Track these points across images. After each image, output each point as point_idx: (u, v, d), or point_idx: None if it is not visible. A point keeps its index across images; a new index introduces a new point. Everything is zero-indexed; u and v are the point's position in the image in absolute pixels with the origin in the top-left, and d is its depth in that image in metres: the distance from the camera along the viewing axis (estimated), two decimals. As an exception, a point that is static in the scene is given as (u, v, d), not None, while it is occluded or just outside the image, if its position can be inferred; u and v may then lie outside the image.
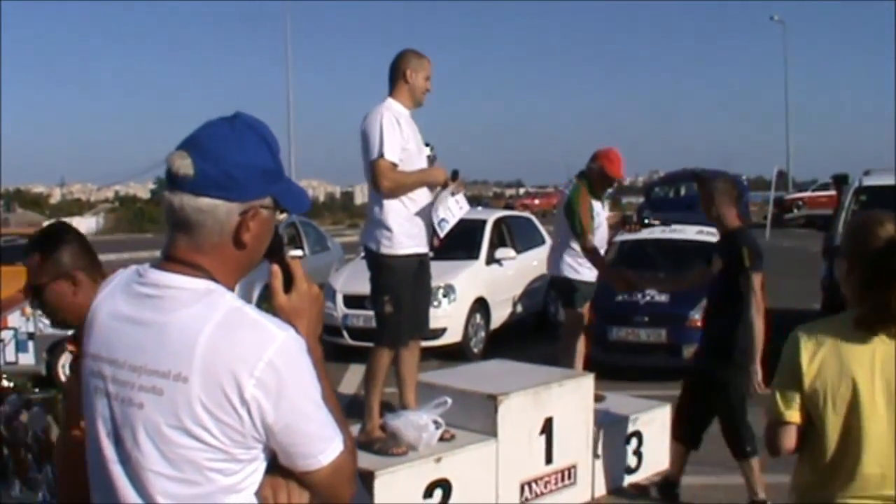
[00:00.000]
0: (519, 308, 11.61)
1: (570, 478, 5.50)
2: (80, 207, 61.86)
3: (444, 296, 10.06)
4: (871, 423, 2.38)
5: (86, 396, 1.73)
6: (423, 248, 4.90)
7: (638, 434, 6.04)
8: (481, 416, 5.05)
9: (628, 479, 5.98)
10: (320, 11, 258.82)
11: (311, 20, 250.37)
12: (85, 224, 41.33)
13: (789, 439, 2.50)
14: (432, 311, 6.12)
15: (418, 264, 4.90)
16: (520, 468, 5.16)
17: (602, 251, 6.59)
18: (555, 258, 6.68)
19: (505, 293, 11.22)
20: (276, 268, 1.76)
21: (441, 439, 4.82)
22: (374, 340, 4.98)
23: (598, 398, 6.00)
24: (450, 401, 4.82)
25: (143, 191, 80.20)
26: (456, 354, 9.59)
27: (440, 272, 8.86)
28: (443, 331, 9.90)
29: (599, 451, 5.73)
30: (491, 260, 11.05)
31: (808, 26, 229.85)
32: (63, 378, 7.90)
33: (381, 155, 4.65)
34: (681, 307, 8.65)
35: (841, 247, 2.61)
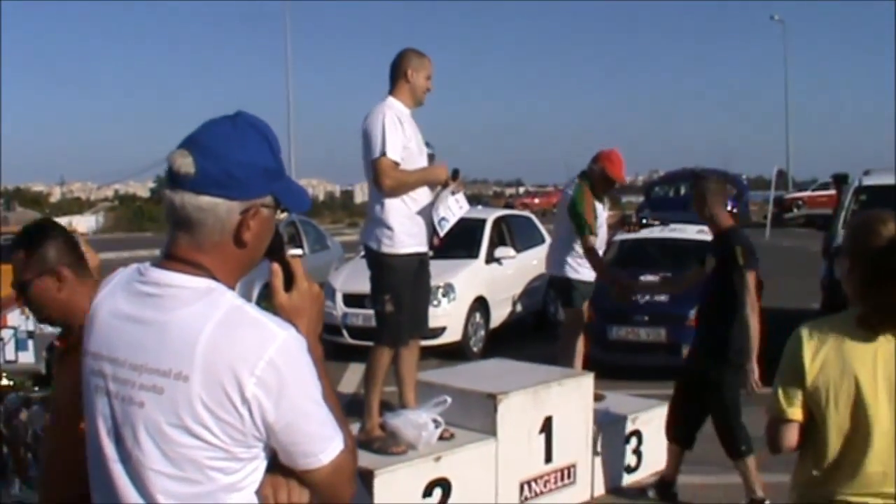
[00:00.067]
0: (518, 307, 11.60)
1: (569, 477, 5.50)
2: (80, 206, 61.77)
3: (444, 295, 10.06)
4: (872, 420, 2.39)
5: (86, 395, 1.73)
6: (423, 248, 4.91)
7: (637, 433, 6.05)
8: (481, 415, 5.06)
9: (627, 479, 5.99)
10: (320, 10, 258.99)
11: (310, 19, 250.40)
12: (85, 222, 41.27)
13: (791, 437, 2.51)
14: (432, 310, 6.12)
15: (418, 263, 4.90)
16: (519, 467, 5.17)
17: (601, 252, 6.60)
18: (554, 257, 6.68)
19: (504, 292, 11.21)
20: (276, 266, 1.76)
21: (440, 438, 4.83)
22: (374, 339, 4.98)
23: (598, 397, 6.02)
24: (449, 400, 4.83)
25: (142, 189, 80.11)
26: (455, 353, 9.59)
27: (440, 271, 8.86)
28: (442, 330, 9.90)
29: (599, 451, 5.74)
30: (490, 259, 11.05)
31: (808, 26, 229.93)
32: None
33: (383, 153, 4.65)
34: (680, 306, 8.64)
35: (843, 245, 2.62)
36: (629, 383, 7.63)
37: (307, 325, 1.73)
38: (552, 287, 7.82)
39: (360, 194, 78.29)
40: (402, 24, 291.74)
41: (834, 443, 2.43)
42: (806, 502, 2.55)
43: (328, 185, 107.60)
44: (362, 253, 5.77)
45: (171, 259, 1.68)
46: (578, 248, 6.39)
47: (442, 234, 4.89)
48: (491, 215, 11.86)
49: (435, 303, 9.69)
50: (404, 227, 4.77)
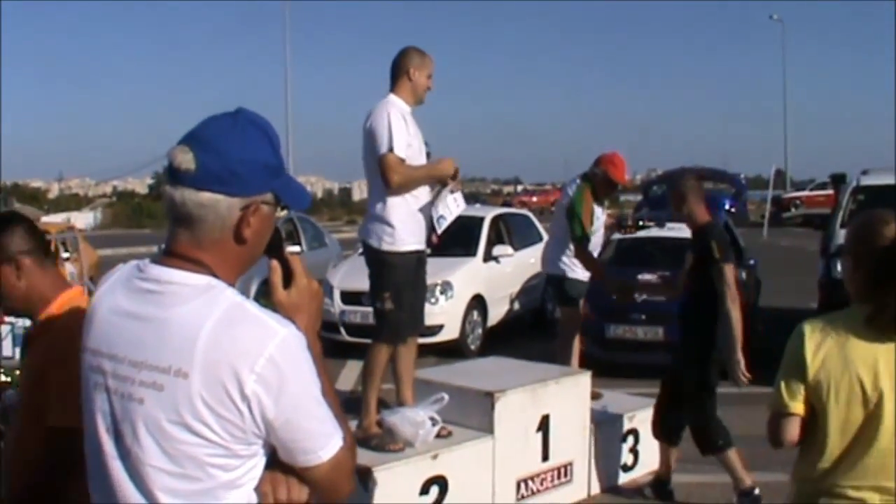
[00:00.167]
0: (516, 305, 11.61)
1: (566, 475, 5.51)
2: (78, 202, 61.63)
3: (442, 293, 10.06)
4: (872, 415, 2.41)
5: (85, 392, 1.73)
6: (422, 246, 4.91)
7: (634, 432, 6.05)
8: (478, 412, 5.06)
9: (624, 477, 6.00)
10: (319, 8, 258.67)
11: (309, 17, 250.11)
12: (83, 219, 41.15)
13: (793, 431, 2.53)
14: (429, 308, 6.15)
15: (417, 261, 4.90)
16: (516, 465, 5.17)
17: (596, 253, 6.61)
18: (550, 256, 6.69)
19: (502, 290, 11.22)
20: (275, 263, 1.76)
21: (438, 436, 4.83)
22: (373, 337, 4.98)
23: (595, 396, 6.02)
24: (447, 397, 4.83)
25: (141, 186, 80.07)
26: (453, 351, 9.58)
27: (438, 269, 8.87)
28: (440, 328, 9.91)
29: (596, 449, 5.74)
30: (488, 257, 11.05)
31: (807, 26, 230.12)
32: None
33: (390, 149, 4.64)
34: (678, 305, 8.64)
35: (845, 245, 2.65)
36: (627, 382, 7.63)
37: (306, 321, 1.73)
38: (549, 285, 7.83)
39: (359, 192, 78.26)
40: (400, 21, 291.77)
41: (834, 437, 2.46)
42: (805, 495, 2.57)
43: (326, 182, 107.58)
44: (360, 250, 5.77)
45: (171, 256, 1.67)
46: (573, 248, 6.40)
47: (440, 231, 4.90)
48: (489, 213, 11.86)
49: (433, 300, 9.70)
50: (405, 225, 4.77)
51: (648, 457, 5.98)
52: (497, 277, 11.04)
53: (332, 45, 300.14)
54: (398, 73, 4.86)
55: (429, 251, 5.05)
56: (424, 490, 4.65)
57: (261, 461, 1.66)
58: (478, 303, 10.63)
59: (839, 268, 7.74)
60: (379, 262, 4.84)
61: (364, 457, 4.40)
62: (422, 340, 5.53)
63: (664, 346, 8.85)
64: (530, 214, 13.81)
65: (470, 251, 10.87)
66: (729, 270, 5.15)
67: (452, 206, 4.90)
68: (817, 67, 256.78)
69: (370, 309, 5.11)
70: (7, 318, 8.85)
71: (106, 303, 1.73)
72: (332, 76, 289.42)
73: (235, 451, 1.60)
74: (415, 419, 4.71)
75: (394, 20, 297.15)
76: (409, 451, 4.68)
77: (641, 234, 9.60)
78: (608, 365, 8.10)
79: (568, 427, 5.47)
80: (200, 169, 1.62)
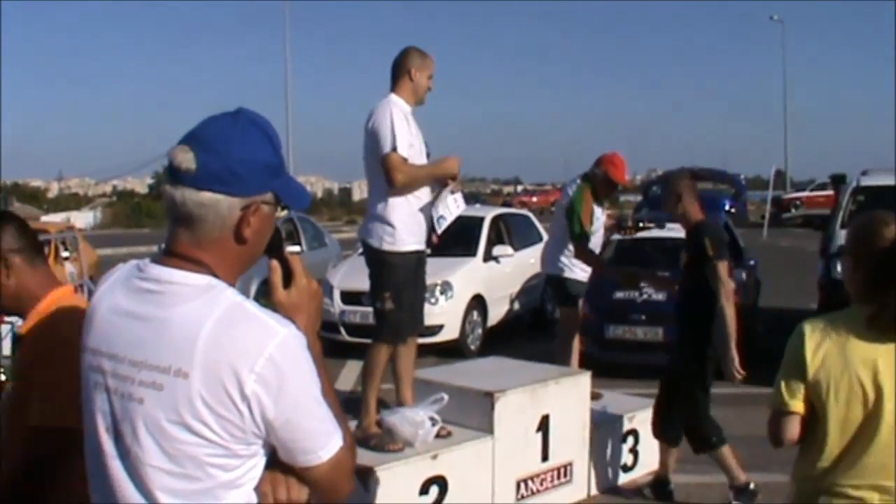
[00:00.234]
0: (516, 305, 11.61)
1: (565, 475, 5.51)
2: (78, 202, 61.63)
3: (442, 293, 10.06)
4: (871, 415, 2.43)
5: (85, 391, 1.73)
6: (422, 246, 4.91)
7: (634, 432, 6.05)
8: (478, 413, 5.06)
9: (624, 478, 5.99)
10: (319, 8, 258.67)
11: (309, 17, 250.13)
12: (82, 218, 41.15)
13: (793, 429, 2.55)
14: (429, 308, 6.15)
15: (416, 261, 4.90)
16: (516, 465, 5.17)
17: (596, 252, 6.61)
18: (550, 256, 6.69)
19: (502, 290, 11.22)
20: (275, 263, 1.76)
21: (437, 436, 4.83)
22: (373, 337, 4.97)
23: (595, 396, 6.02)
24: (446, 397, 4.83)
25: (140, 186, 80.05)
26: (453, 351, 9.58)
27: (437, 269, 8.86)
28: (440, 328, 9.90)
29: (595, 449, 5.74)
30: (488, 257, 11.05)
31: (807, 26, 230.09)
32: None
33: (393, 148, 4.64)
34: (675, 304, 8.64)
35: (845, 245, 2.68)
36: (626, 382, 7.63)
37: (306, 321, 1.73)
38: (549, 285, 7.83)
39: (359, 192, 78.29)
40: (400, 21, 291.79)
41: (834, 436, 2.47)
42: (805, 494, 2.58)
43: (326, 182, 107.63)
44: (360, 250, 5.77)
45: (171, 255, 1.67)
46: (573, 246, 6.40)
47: (440, 232, 4.89)
48: (489, 214, 11.86)
49: (432, 300, 9.70)
50: (406, 225, 4.77)
51: (648, 457, 5.98)
52: (497, 277, 11.04)
53: (332, 45, 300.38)
54: (399, 73, 4.85)
55: (428, 251, 5.05)
56: (424, 490, 4.65)
57: (261, 461, 1.66)
58: (478, 303, 10.63)
59: (839, 268, 7.74)
60: (379, 262, 4.83)
61: (364, 457, 4.40)
62: (422, 340, 5.53)
63: (664, 347, 8.84)
64: (530, 215, 13.81)
65: (470, 251, 10.87)
66: (723, 267, 5.17)
67: (452, 207, 4.90)
68: (817, 68, 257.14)
69: (370, 309, 5.10)
70: (7, 318, 8.84)
71: (106, 302, 1.72)
72: (332, 76, 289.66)
73: (235, 451, 1.60)
74: (414, 419, 4.71)
75: (394, 20, 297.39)
76: (408, 451, 4.68)
77: (641, 235, 9.63)
78: (608, 365, 8.10)
79: (568, 427, 5.47)
80: (201, 169, 1.61)
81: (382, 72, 4.95)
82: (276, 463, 1.67)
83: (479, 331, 10.69)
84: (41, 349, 2.28)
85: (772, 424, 2.59)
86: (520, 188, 79.86)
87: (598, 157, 6.49)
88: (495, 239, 11.41)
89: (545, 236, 10.74)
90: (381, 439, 4.71)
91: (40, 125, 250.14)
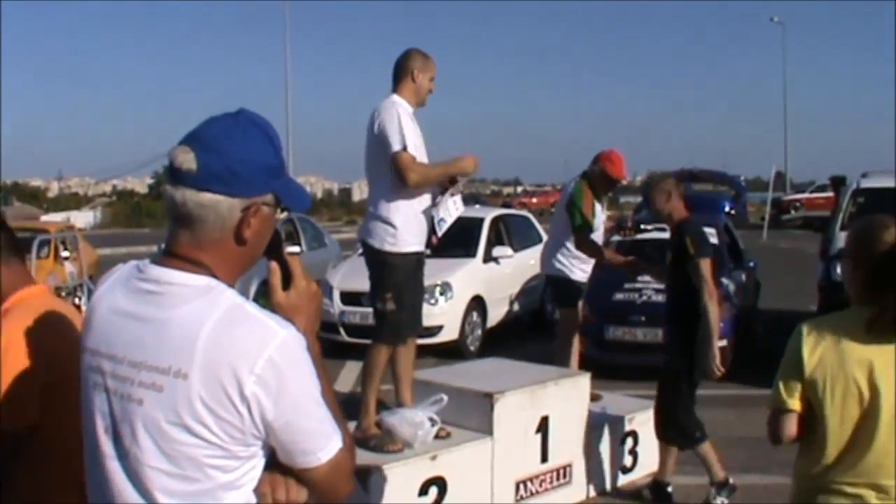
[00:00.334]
0: (516, 306, 11.61)
1: (565, 476, 5.51)
2: (78, 201, 61.63)
3: (441, 294, 10.06)
4: (869, 414, 2.45)
5: (84, 391, 1.73)
6: (422, 247, 4.91)
7: (633, 434, 6.05)
8: (477, 414, 5.06)
9: (623, 479, 5.99)
10: (319, 8, 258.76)
11: (309, 17, 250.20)
12: (82, 218, 41.12)
13: (790, 427, 2.58)
14: (429, 309, 6.15)
15: (416, 262, 4.90)
16: (515, 466, 5.17)
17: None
18: (549, 257, 6.68)
19: (502, 291, 11.22)
20: (274, 265, 1.75)
21: (437, 437, 4.83)
22: (373, 337, 4.97)
23: (595, 397, 6.02)
24: (446, 398, 4.82)
25: (140, 185, 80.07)
26: (452, 352, 9.58)
27: (437, 270, 8.86)
28: (439, 328, 9.90)
29: (595, 451, 5.74)
30: (488, 258, 11.05)
31: (808, 27, 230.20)
32: None
33: (403, 147, 4.62)
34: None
35: (845, 248, 2.70)
36: (626, 383, 7.63)
37: (305, 322, 1.73)
38: (549, 286, 7.83)
39: (358, 192, 78.32)
40: (400, 21, 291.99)
41: (832, 435, 2.50)
42: (804, 491, 2.61)
43: (326, 182, 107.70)
44: (360, 251, 5.77)
45: (170, 256, 1.67)
46: (573, 247, 6.40)
47: (440, 233, 4.89)
48: (489, 214, 11.85)
49: (432, 301, 9.70)
50: (408, 226, 4.75)
51: (647, 458, 5.98)
52: (496, 278, 11.04)
53: (332, 45, 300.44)
54: (402, 74, 4.84)
55: (428, 252, 5.05)
56: (423, 491, 4.65)
57: (260, 462, 1.65)
58: (477, 304, 10.63)
59: (839, 270, 7.75)
60: (380, 262, 4.82)
61: (363, 457, 4.40)
62: (421, 341, 5.52)
63: (663, 348, 8.86)
64: (530, 215, 13.81)
65: (470, 252, 10.87)
66: (705, 265, 5.20)
67: (452, 209, 4.90)
68: (817, 69, 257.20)
69: (369, 309, 5.09)
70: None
71: (105, 303, 1.72)
72: (332, 76, 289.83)
73: (234, 453, 1.60)
74: (414, 420, 4.71)
75: (394, 20, 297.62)
76: (407, 451, 4.68)
77: (641, 236, 9.63)
78: (607, 366, 8.10)
79: (567, 428, 5.47)
80: (202, 169, 1.61)
81: (382, 72, 4.94)
82: (276, 464, 1.66)
83: (479, 332, 10.69)
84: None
85: (771, 422, 2.63)
86: (519, 189, 79.92)
87: (596, 155, 6.49)
88: (495, 240, 11.40)
89: (545, 237, 10.74)
90: (380, 440, 4.71)
91: (40, 125, 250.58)
